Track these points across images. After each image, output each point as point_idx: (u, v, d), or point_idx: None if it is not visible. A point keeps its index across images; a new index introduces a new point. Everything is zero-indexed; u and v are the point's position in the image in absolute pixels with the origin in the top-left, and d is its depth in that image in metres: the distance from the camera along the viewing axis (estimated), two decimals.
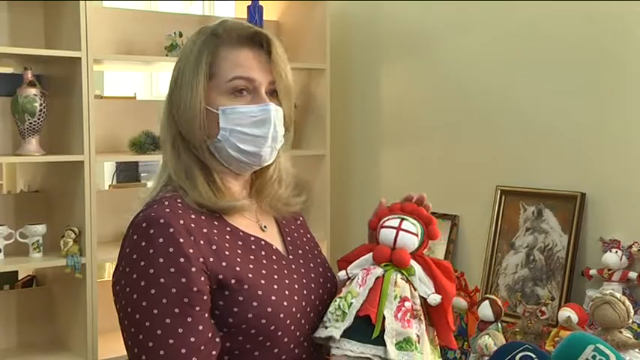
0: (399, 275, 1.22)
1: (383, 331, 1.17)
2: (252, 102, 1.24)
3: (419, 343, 1.18)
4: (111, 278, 1.23)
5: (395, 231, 1.26)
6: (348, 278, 1.27)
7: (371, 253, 1.26)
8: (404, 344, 1.17)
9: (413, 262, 1.24)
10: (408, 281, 1.22)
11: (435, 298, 1.22)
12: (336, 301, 1.22)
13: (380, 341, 1.17)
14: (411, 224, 1.27)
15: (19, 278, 2.75)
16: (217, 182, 1.26)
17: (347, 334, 1.19)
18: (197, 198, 1.23)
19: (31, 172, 2.80)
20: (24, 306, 2.63)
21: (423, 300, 1.23)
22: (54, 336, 2.63)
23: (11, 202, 2.62)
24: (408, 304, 1.19)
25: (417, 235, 1.27)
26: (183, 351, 1.12)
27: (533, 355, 1.31)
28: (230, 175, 1.30)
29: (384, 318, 1.18)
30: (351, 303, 1.20)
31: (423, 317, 1.21)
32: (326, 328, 1.21)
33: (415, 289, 1.22)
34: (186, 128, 1.25)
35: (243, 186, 1.33)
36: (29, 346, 2.59)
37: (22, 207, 2.60)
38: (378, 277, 1.21)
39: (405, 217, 1.28)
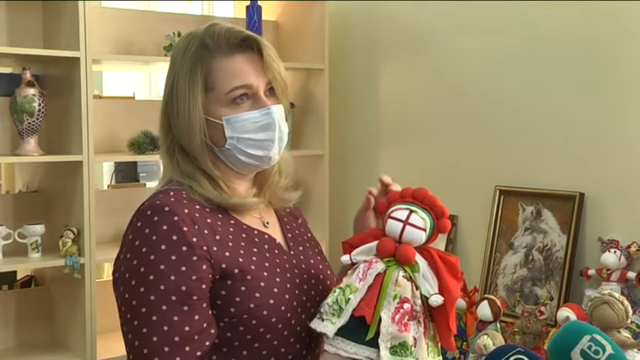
0: (401, 272, 1.17)
1: (378, 333, 1.14)
2: (253, 107, 1.26)
3: (415, 346, 1.14)
4: (112, 269, 1.23)
5: (402, 225, 1.19)
6: (352, 263, 1.23)
7: (376, 242, 1.21)
8: (399, 349, 1.13)
9: (418, 257, 1.18)
10: (410, 279, 1.17)
11: (436, 300, 1.16)
12: (335, 291, 1.19)
13: (375, 343, 1.14)
14: (420, 218, 1.20)
15: (18, 278, 2.75)
16: (222, 185, 1.28)
17: (342, 332, 1.16)
18: (207, 194, 1.24)
19: (29, 172, 2.79)
20: (22, 306, 2.63)
21: (425, 299, 1.18)
22: (52, 336, 2.63)
23: (10, 202, 2.61)
24: (407, 306, 1.15)
25: (424, 230, 1.20)
26: (177, 339, 1.13)
27: (526, 359, 1.30)
28: (234, 176, 1.31)
29: (380, 320, 1.14)
30: (349, 299, 1.16)
31: (422, 319, 1.17)
32: (322, 320, 1.18)
33: (417, 288, 1.17)
34: (185, 138, 1.25)
35: (248, 186, 1.34)
36: (28, 346, 2.59)
37: (21, 207, 2.59)
38: (378, 274, 1.17)
39: (414, 208, 1.21)
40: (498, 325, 2.04)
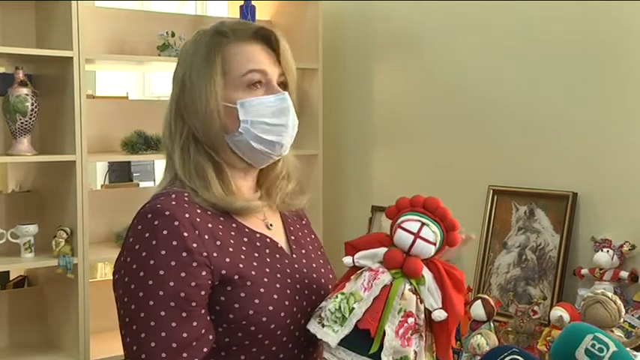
0: (407, 285, 1.15)
1: (381, 346, 1.13)
2: (267, 93, 1.27)
3: None
4: (112, 271, 1.23)
5: (413, 237, 1.17)
6: (354, 266, 1.21)
7: (382, 249, 1.19)
8: None
9: (424, 270, 1.17)
10: (415, 292, 1.16)
11: (439, 315, 1.15)
12: (337, 297, 1.16)
13: (377, 356, 1.13)
14: (432, 232, 1.18)
15: (11, 279, 2.74)
16: (230, 183, 1.26)
17: (344, 342, 1.14)
18: (210, 198, 1.23)
19: (22, 172, 2.79)
20: (15, 306, 2.62)
21: (428, 311, 1.17)
22: (46, 336, 2.62)
23: (2, 202, 2.60)
24: (411, 320, 1.14)
25: (435, 244, 1.18)
26: (174, 345, 1.12)
27: (521, 359, 1.31)
28: (241, 172, 1.29)
29: (384, 333, 1.13)
30: (353, 308, 1.14)
31: (424, 332, 1.16)
32: (323, 326, 1.17)
33: (422, 302, 1.16)
34: (202, 128, 1.25)
35: (251, 185, 1.33)
36: (21, 346, 2.58)
37: (14, 207, 2.59)
38: (385, 285, 1.15)
39: (426, 220, 1.19)
40: (492, 324, 2.04)
